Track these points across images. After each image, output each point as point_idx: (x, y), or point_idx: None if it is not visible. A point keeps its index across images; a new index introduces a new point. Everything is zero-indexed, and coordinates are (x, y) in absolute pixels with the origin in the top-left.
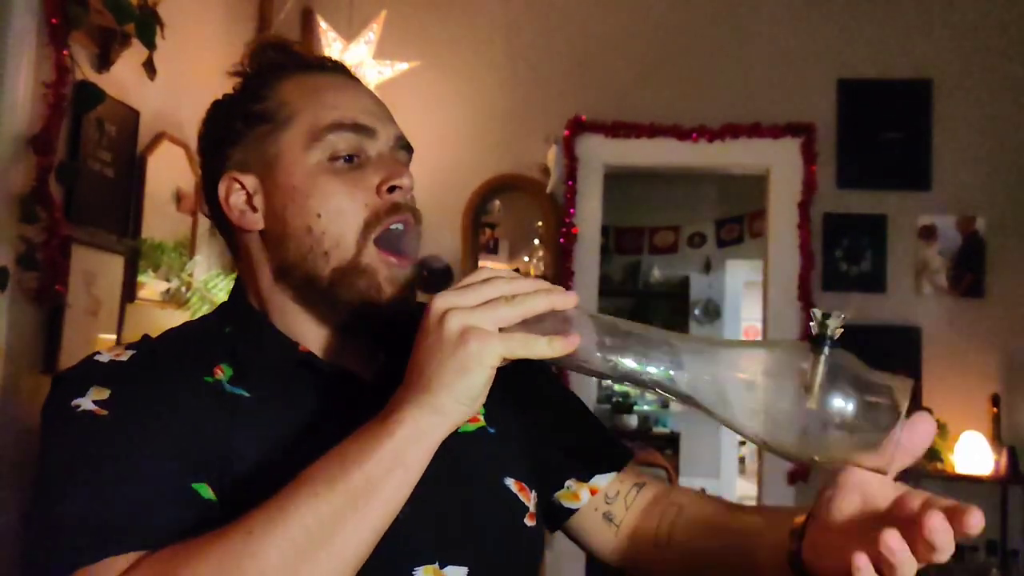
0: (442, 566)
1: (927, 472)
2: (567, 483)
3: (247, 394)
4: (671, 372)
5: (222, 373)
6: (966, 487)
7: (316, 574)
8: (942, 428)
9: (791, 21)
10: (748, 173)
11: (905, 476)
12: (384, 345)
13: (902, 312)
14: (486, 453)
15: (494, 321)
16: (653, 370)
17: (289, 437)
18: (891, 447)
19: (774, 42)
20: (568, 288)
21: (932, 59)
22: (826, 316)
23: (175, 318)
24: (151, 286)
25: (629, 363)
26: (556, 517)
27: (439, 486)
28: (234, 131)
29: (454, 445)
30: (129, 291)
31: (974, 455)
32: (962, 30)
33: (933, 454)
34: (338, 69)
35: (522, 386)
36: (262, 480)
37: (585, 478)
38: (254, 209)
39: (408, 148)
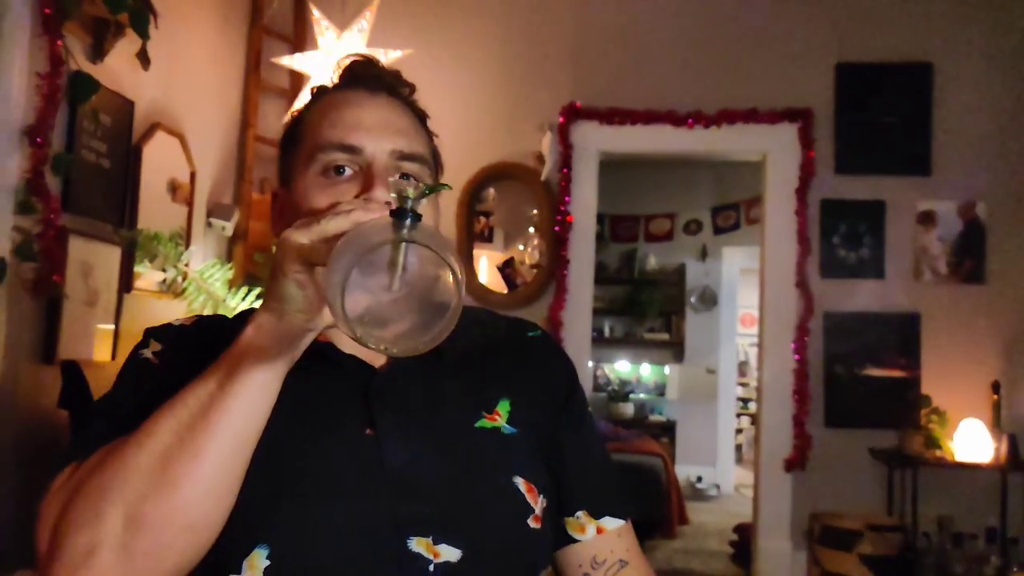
0: (435, 542)
1: (926, 459)
2: (578, 513)
3: None
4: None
5: None
6: (965, 474)
7: (204, 437)
8: (941, 415)
9: (788, 5)
10: (744, 159)
11: (904, 464)
12: None
13: (901, 299)
14: (499, 449)
15: (307, 236)
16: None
17: (292, 415)
18: (432, 334)
19: (771, 26)
20: (563, 277)
21: (931, 42)
22: (415, 190)
23: (172, 308)
24: (148, 276)
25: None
26: (556, 541)
27: (447, 471)
28: (283, 150)
29: (467, 437)
30: (126, 281)
31: (974, 442)
32: (962, 13)
33: (932, 441)
34: (363, 83)
35: (556, 400)
36: (258, 454)
37: (596, 514)
38: (284, 221)
39: (414, 159)
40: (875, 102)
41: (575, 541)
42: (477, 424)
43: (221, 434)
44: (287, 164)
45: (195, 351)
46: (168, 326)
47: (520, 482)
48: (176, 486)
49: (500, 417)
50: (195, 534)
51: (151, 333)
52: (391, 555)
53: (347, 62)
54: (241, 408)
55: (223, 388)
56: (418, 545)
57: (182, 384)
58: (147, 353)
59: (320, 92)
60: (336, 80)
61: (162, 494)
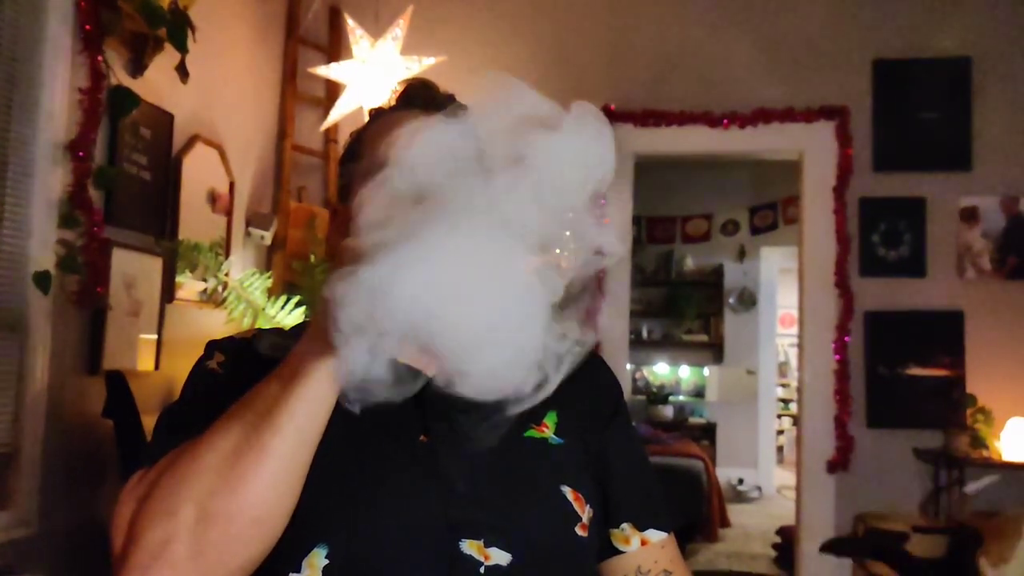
0: (487, 545)
1: (973, 460)
2: (623, 525)
3: None
4: None
5: None
6: (1013, 475)
7: (269, 435)
8: (987, 414)
9: (823, 2)
10: (781, 158)
11: (949, 465)
12: None
13: (943, 297)
14: (547, 459)
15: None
16: None
17: (350, 421)
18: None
19: (806, 23)
20: (600, 279)
21: (970, 37)
22: None
23: (213, 318)
24: (189, 286)
25: None
26: (601, 552)
27: (497, 477)
28: (343, 168)
29: (516, 446)
30: (168, 292)
31: (1022, 441)
32: (1001, 5)
33: (979, 441)
34: (418, 104)
35: (602, 415)
36: (318, 458)
37: (641, 527)
38: (342, 235)
39: None
40: (913, 98)
41: (620, 552)
42: (526, 434)
43: (284, 432)
44: (346, 181)
45: (255, 361)
46: (230, 339)
47: (567, 491)
48: (243, 481)
49: (548, 428)
50: (261, 528)
51: (214, 346)
52: (444, 556)
53: (403, 85)
54: (303, 408)
55: (286, 389)
56: (470, 547)
57: (244, 391)
58: (211, 364)
59: (378, 114)
60: (393, 102)
61: (231, 489)
